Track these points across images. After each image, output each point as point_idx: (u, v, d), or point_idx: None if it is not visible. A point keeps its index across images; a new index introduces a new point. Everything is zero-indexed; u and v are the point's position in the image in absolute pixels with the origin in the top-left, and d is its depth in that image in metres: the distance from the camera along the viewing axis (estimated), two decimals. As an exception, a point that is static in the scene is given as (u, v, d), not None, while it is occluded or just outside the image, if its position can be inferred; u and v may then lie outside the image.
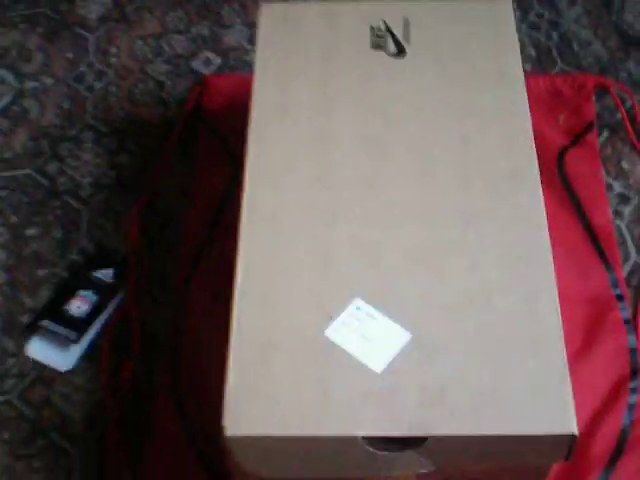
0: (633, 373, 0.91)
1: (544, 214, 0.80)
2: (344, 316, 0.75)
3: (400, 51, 0.93)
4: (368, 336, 0.74)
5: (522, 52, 0.93)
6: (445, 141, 0.86)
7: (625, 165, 1.09)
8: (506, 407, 0.71)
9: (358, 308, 0.75)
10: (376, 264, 0.78)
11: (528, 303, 0.76)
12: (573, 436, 0.69)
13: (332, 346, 0.74)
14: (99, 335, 0.97)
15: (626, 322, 0.94)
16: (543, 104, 1.09)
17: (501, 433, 0.70)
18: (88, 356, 0.96)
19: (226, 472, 0.77)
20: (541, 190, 0.82)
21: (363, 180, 0.83)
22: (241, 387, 0.72)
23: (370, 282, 0.77)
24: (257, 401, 0.71)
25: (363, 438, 0.70)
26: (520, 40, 0.94)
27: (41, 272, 1.02)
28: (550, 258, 0.78)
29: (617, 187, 1.07)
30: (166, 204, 1.07)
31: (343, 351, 0.73)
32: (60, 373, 0.95)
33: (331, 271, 0.78)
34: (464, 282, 0.77)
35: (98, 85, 1.19)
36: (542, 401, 0.71)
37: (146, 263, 1.02)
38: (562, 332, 0.74)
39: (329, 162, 0.85)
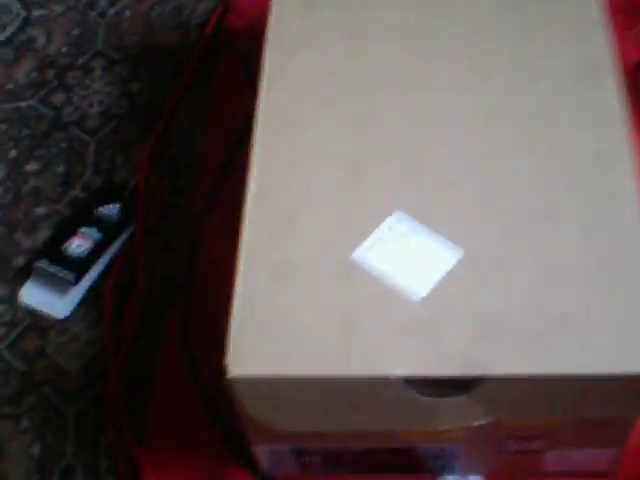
0: None
1: (623, 110, 0.65)
2: (378, 233, 0.61)
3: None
4: (407, 257, 0.60)
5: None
6: (501, 33, 0.71)
7: None
8: (583, 340, 0.56)
9: (395, 223, 0.61)
10: (418, 174, 0.64)
11: (607, 214, 0.61)
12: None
13: (363, 270, 0.60)
14: (102, 278, 0.84)
15: None
16: (616, 13, 0.93)
17: (575, 372, 0.55)
18: (88, 301, 0.83)
19: (237, 428, 0.64)
20: (618, 83, 0.67)
21: (401, 80, 0.69)
22: (249, 319, 0.58)
23: (410, 194, 0.63)
24: (268, 336, 0.57)
25: (400, 380, 0.56)
26: None
27: (40, 210, 0.90)
28: (632, 159, 0.63)
29: None
30: (182, 135, 0.94)
31: (376, 276, 0.59)
32: (56, 321, 0.82)
33: (362, 183, 0.64)
34: (527, 192, 0.62)
35: (111, 10, 1.07)
36: (629, 333, 0.56)
37: (158, 199, 0.89)
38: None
39: (360, 61, 0.71)
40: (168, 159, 0.92)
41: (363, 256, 0.60)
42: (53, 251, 0.85)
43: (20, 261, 0.86)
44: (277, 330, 0.57)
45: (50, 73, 1.01)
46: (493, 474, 0.69)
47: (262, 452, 0.67)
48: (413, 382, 0.56)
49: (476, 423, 0.59)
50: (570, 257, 0.59)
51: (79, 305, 0.83)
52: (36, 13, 1.08)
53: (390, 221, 0.61)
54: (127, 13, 1.06)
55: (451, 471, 0.70)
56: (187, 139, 0.93)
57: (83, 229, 0.86)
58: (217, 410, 0.73)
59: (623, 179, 0.62)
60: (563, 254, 0.59)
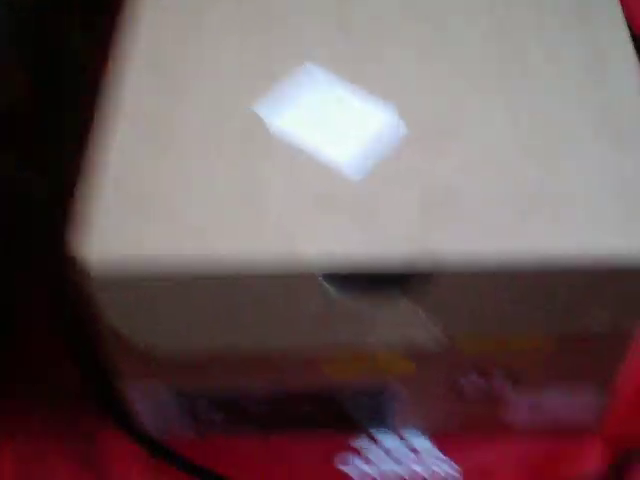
0: None
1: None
2: (295, 92, 0.46)
3: None
4: (331, 121, 0.45)
5: None
6: None
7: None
8: (562, 221, 0.41)
9: (317, 80, 0.46)
10: (347, 25, 0.49)
11: (589, 69, 0.46)
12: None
13: (273, 135, 0.44)
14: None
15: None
16: None
17: (550, 260, 0.40)
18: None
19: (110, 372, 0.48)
20: None
21: None
22: (112, 189, 0.42)
23: (337, 48, 0.48)
24: (137, 211, 0.41)
25: (318, 271, 0.40)
26: None
27: None
28: (618, 11, 0.49)
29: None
30: (68, 51, 0.78)
31: (290, 143, 0.44)
32: None
33: (273, 30, 0.48)
34: (489, 43, 0.47)
35: None
36: (624, 213, 0.41)
37: (35, 116, 0.72)
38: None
39: None
40: (51, 76, 0.76)
41: (274, 119, 0.44)
42: None
43: None
44: (150, 204, 0.41)
45: None
46: (437, 430, 0.54)
47: (139, 400, 0.50)
48: (337, 278, 0.40)
49: (421, 341, 0.43)
50: (544, 120, 0.44)
51: None
52: None
53: (310, 77, 0.46)
54: None
55: (384, 426, 0.54)
56: (74, 54, 0.78)
57: None
58: (89, 353, 0.56)
59: (608, 30, 0.48)
60: (535, 117, 0.45)
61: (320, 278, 0.40)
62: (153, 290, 0.40)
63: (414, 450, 0.54)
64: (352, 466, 0.53)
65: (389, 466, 0.53)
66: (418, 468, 0.53)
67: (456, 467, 0.53)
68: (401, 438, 0.54)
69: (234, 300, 0.41)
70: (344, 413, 0.51)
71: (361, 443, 0.54)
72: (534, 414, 0.51)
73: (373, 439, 0.54)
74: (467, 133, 0.44)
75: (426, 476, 0.53)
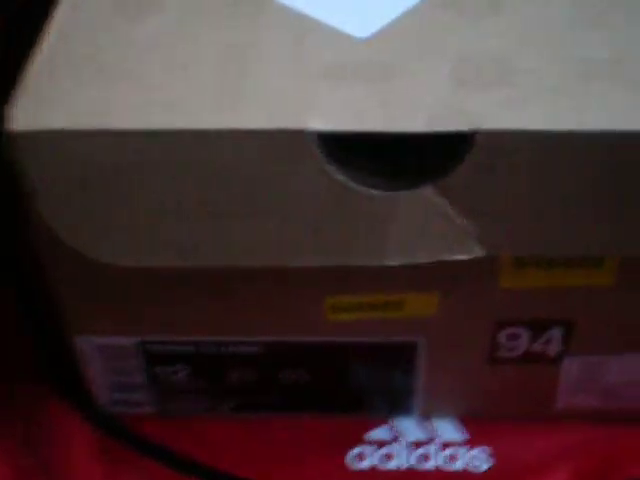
0: None
1: None
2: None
3: None
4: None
5: None
6: None
7: None
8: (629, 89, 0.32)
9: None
10: None
11: None
12: None
13: (270, 4, 0.36)
14: None
15: None
16: None
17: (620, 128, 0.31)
18: None
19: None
20: None
21: None
22: (65, 55, 0.34)
23: None
24: (88, 71, 0.33)
25: (325, 159, 0.31)
26: None
27: None
28: None
29: None
30: None
31: (291, 4, 0.36)
32: None
33: None
34: None
35: None
36: None
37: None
38: None
39: None
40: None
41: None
42: None
43: None
44: (105, 66, 0.33)
45: None
46: (469, 412, 0.44)
47: (92, 361, 0.41)
48: (349, 163, 0.32)
49: (453, 255, 0.34)
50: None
51: None
52: None
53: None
54: None
55: (405, 410, 0.44)
56: None
57: None
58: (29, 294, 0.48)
59: None
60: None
61: (326, 160, 0.31)
62: (97, 166, 0.31)
63: (443, 444, 0.44)
64: (369, 463, 0.43)
65: (415, 462, 0.44)
66: (448, 464, 0.43)
67: (492, 462, 0.43)
68: (427, 428, 0.45)
69: (212, 189, 0.32)
70: (352, 389, 0.42)
71: (380, 435, 0.45)
72: (591, 394, 0.41)
73: (394, 430, 0.45)
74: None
75: (457, 473, 0.43)
